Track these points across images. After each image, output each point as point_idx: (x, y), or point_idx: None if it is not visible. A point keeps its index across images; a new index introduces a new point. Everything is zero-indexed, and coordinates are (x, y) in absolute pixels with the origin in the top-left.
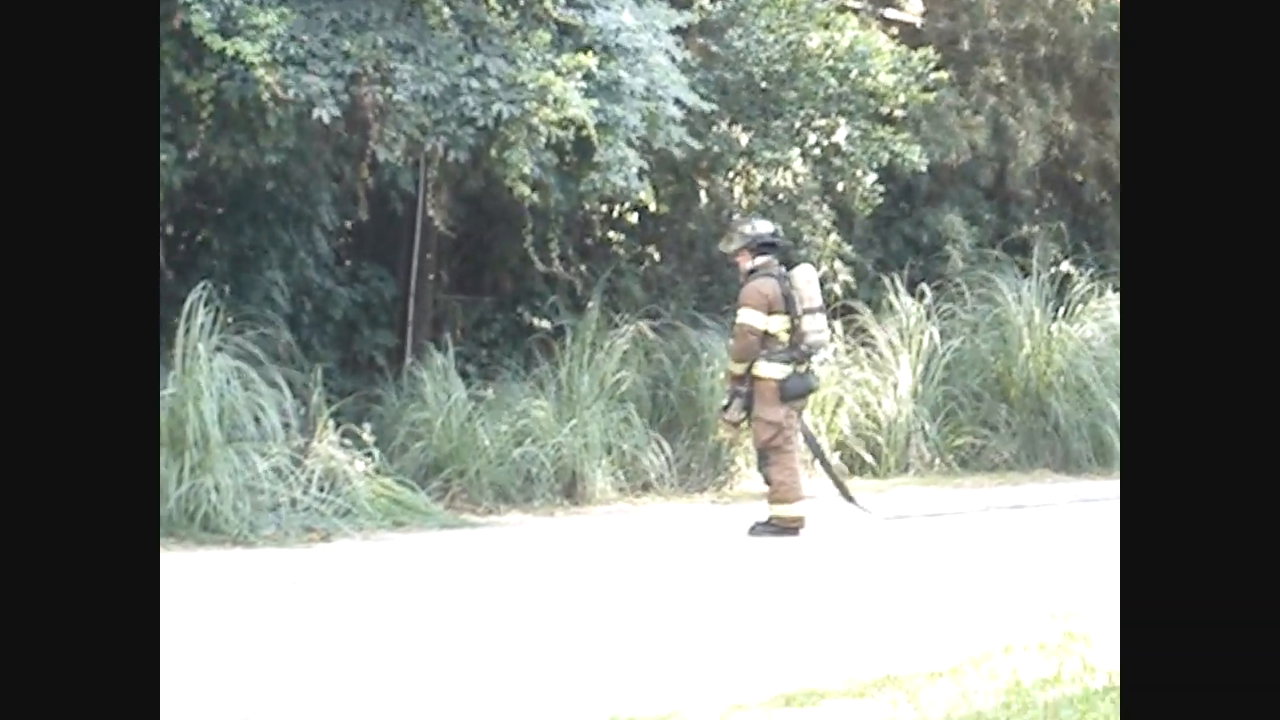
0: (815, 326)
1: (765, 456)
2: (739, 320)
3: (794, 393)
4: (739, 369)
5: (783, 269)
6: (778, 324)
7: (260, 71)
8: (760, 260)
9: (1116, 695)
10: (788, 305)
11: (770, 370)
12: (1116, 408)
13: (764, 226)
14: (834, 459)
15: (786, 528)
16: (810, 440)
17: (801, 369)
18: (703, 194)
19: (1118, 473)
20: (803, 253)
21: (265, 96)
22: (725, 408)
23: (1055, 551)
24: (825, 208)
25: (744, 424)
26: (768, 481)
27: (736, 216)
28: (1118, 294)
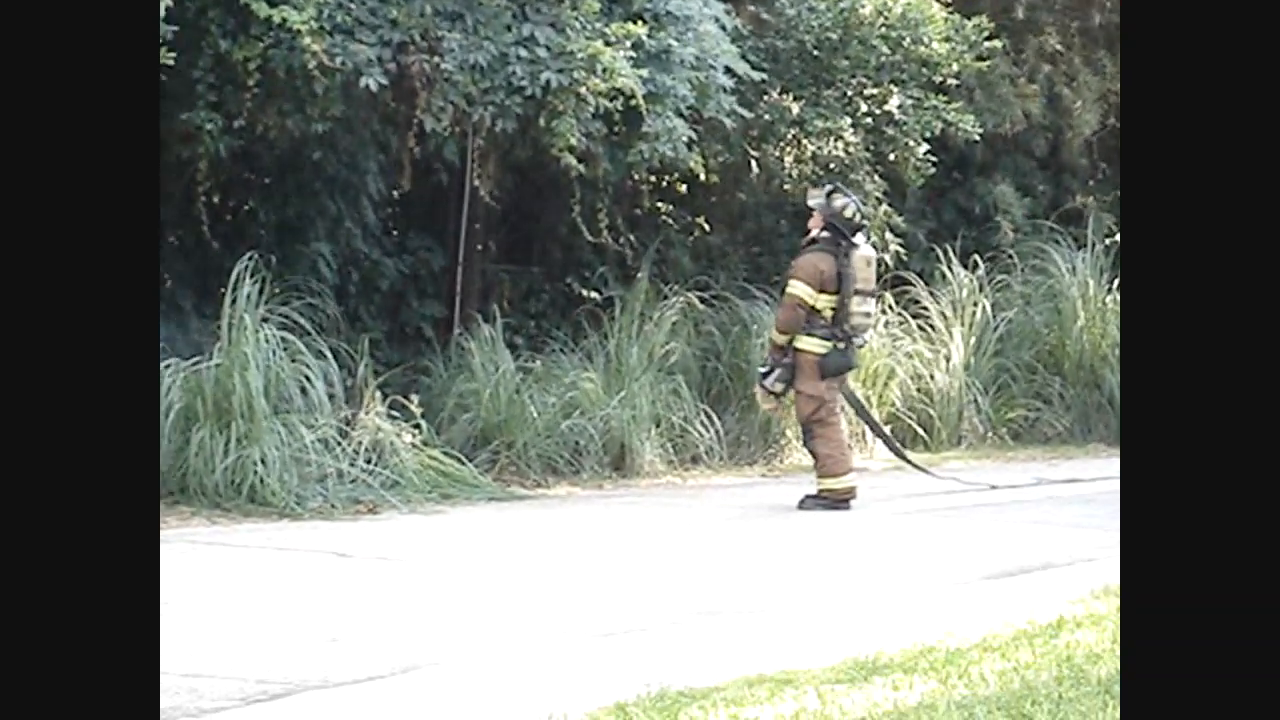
0: (863, 310)
1: (809, 431)
2: (789, 290)
3: (834, 369)
4: (782, 339)
5: (845, 244)
6: (825, 301)
7: (306, 40)
8: (823, 235)
9: None
10: (840, 284)
11: (811, 344)
12: None
13: (849, 210)
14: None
15: (837, 501)
16: (859, 408)
17: (842, 345)
18: (753, 164)
19: None
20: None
21: (311, 65)
22: (764, 376)
23: (1108, 526)
24: (876, 178)
25: (785, 396)
26: (814, 456)
27: (834, 186)
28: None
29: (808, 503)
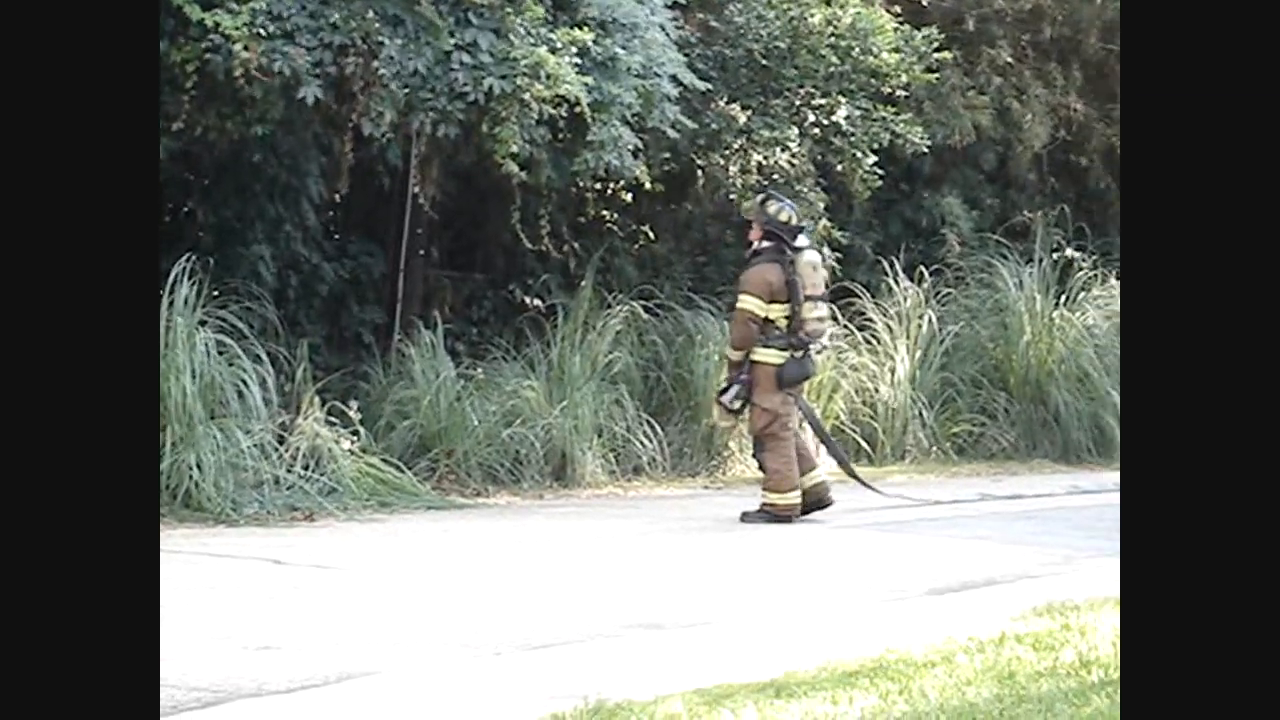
0: (816, 314)
1: (761, 443)
2: (739, 305)
3: (791, 378)
4: (737, 355)
5: (789, 254)
6: (777, 311)
7: (238, 45)
8: (768, 244)
9: (1113, 689)
10: (790, 292)
11: (768, 356)
12: (1117, 397)
13: (784, 215)
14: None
15: (779, 515)
16: (813, 421)
17: (799, 355)
18: (699, 173)
19: (1117, 464)
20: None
21: (238, 73)
22: (722, 393)
23: (1051, 542)
24: (820, 191)
25: (742, 412)
26: (762, 468)
27: (766, 193)
28: (1121, 281)
29: (750, 516)
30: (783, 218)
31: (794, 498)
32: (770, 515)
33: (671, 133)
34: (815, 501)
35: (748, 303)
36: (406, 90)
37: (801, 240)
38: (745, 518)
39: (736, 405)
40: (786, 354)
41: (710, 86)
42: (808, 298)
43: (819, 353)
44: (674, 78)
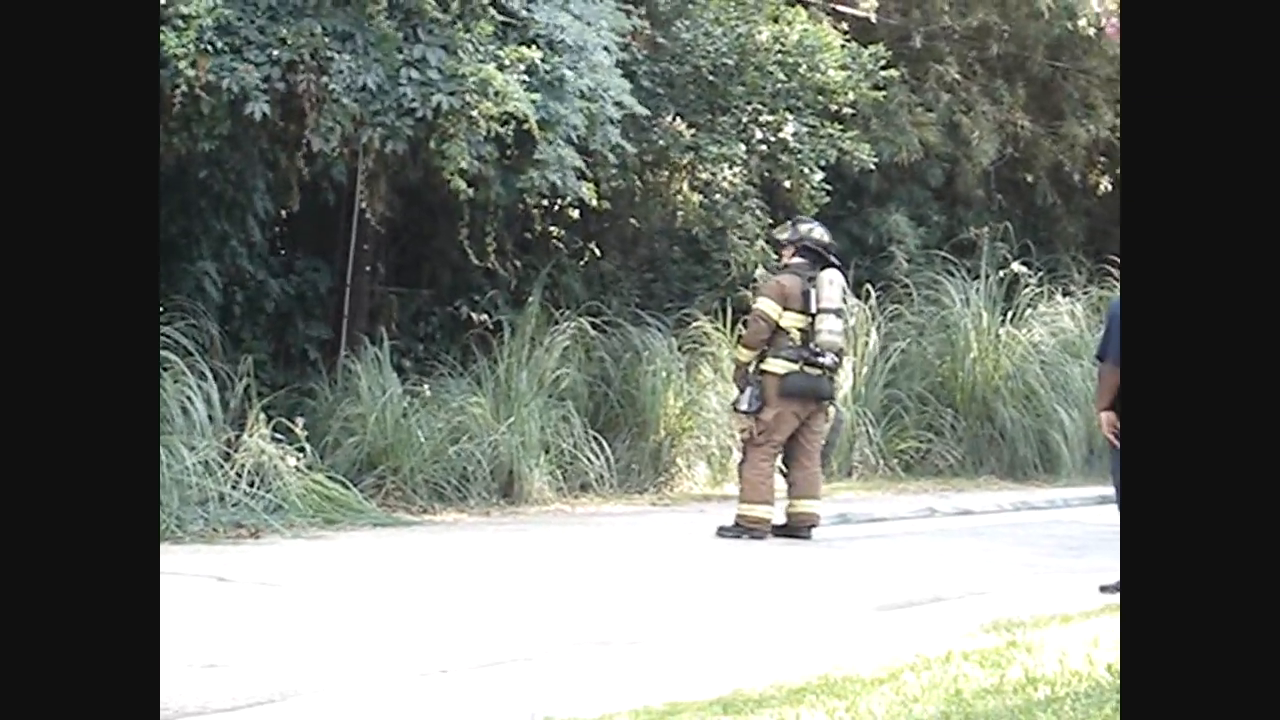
0: (827, 327)
1: (745, 451)
2: (754, 307)
3: (794, 389)
4: (745, 355)
5: (814, 272)
6: (791, 320)
7: (182, 64)
8: (795, 260)
9: (1059, 707)
10: (804, 304)
11: (775, 365)
12: (1064, 414)
13: (815, 234)
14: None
15: (752, 530)
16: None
17: (813, 371)
18: (646, 190)
19: (1063, 480)
20: (731, 255)
21: (191, 88)
22: (736, 402)
23: (998, 559)
24: (759, 213)
25: (761, 416)
26: (740, 479)
27: (793, 217)
28: (1068, 298)
29: (726, 530)
30: (816, 235)
31: (763, 511)
32: (743, 529)
33: (611, 157)
34: (793, 528)
35: (763, 304)
36: (356, 104)
37: (833, 261)
38: (721, 532)
39: (754, 407)
40: (794, 365)
41: (654, 110)
42: (821, 310)
43: (833, 369)
44: (618, 103)
